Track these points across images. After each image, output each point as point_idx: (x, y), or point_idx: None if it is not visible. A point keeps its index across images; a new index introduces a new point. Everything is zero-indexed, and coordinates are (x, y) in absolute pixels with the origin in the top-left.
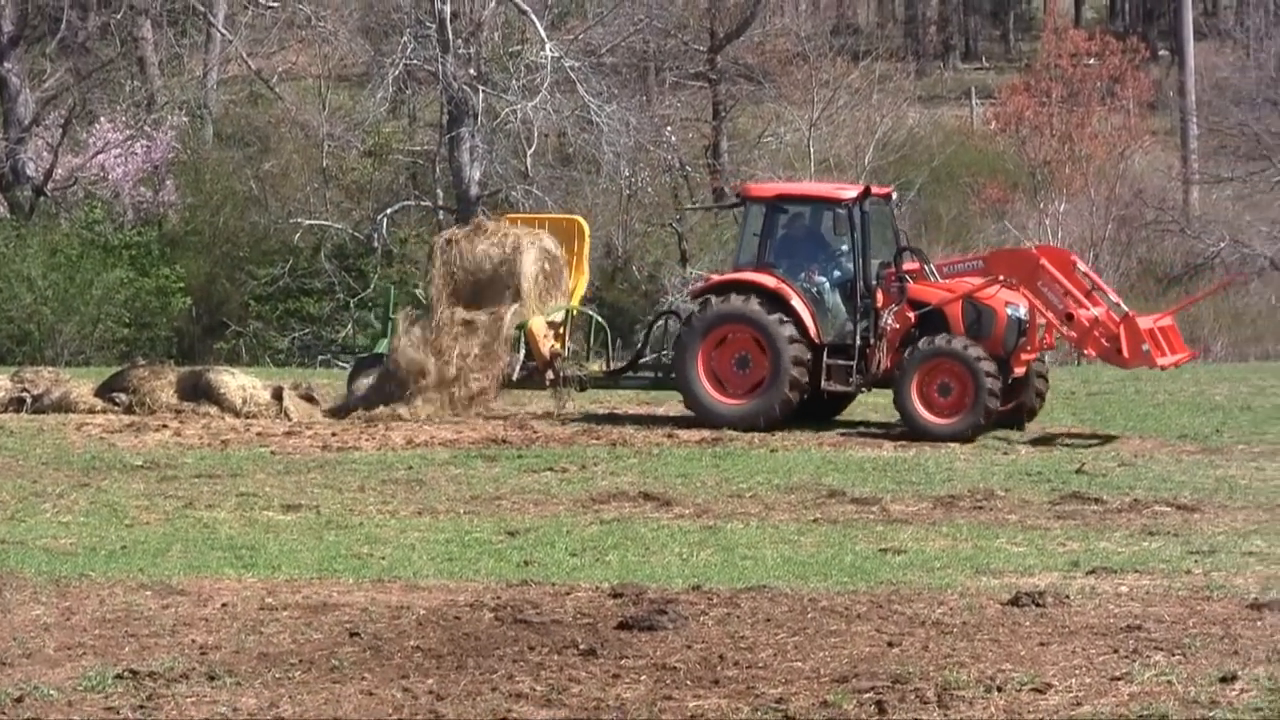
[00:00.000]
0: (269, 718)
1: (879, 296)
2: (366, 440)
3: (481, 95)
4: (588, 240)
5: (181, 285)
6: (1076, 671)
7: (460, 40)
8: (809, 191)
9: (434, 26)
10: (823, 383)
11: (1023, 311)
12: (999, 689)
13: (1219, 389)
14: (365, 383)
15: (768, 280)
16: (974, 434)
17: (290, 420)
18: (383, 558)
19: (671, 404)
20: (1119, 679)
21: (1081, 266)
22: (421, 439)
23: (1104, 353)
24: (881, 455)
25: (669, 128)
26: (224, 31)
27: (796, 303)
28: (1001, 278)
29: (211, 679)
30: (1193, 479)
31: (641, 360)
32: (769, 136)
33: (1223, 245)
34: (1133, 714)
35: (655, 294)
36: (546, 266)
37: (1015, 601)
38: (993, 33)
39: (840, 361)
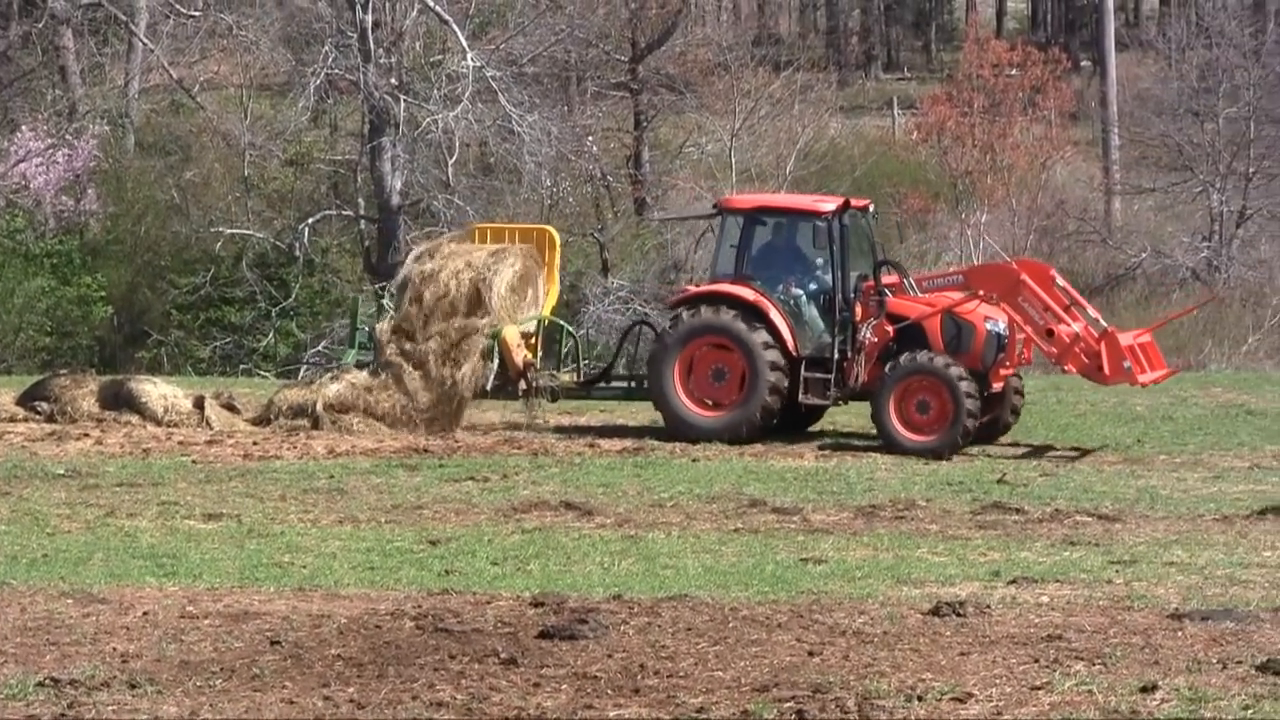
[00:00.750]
0: None
1: (858, 310)
2: (288, 449)
3: (403, 105)
4: (559, 250)
5: (103, 294)
6: (997, 681)
7: (381, 50)
8: (788, 204)
9: (355, 36)
10: (800, 396)
11: (1001, 326)
12: (919, 698)
13: (1140, 399)
14: None
15: (746, 293)
16: (951, 452)
17: (212, 429)
18: (304, 566)
19: (594, 414)
20: (1039, 688)
21: (1060, 281)
22: (343, 448)
23: (1084, 369)
24: (803, 465)
25: (590, 137)
26: (145, 41)
27: (775, 315)
28: (981, 293)
29: (133, 687)
30: (1114, 489)
31: (613, 371)
32: (690, 146)
33: (1144, 256)
34: None
35: (577, 304)
36: (518, 277)
37: (936, 611)
38: (914, 43)
39: (818, 375)
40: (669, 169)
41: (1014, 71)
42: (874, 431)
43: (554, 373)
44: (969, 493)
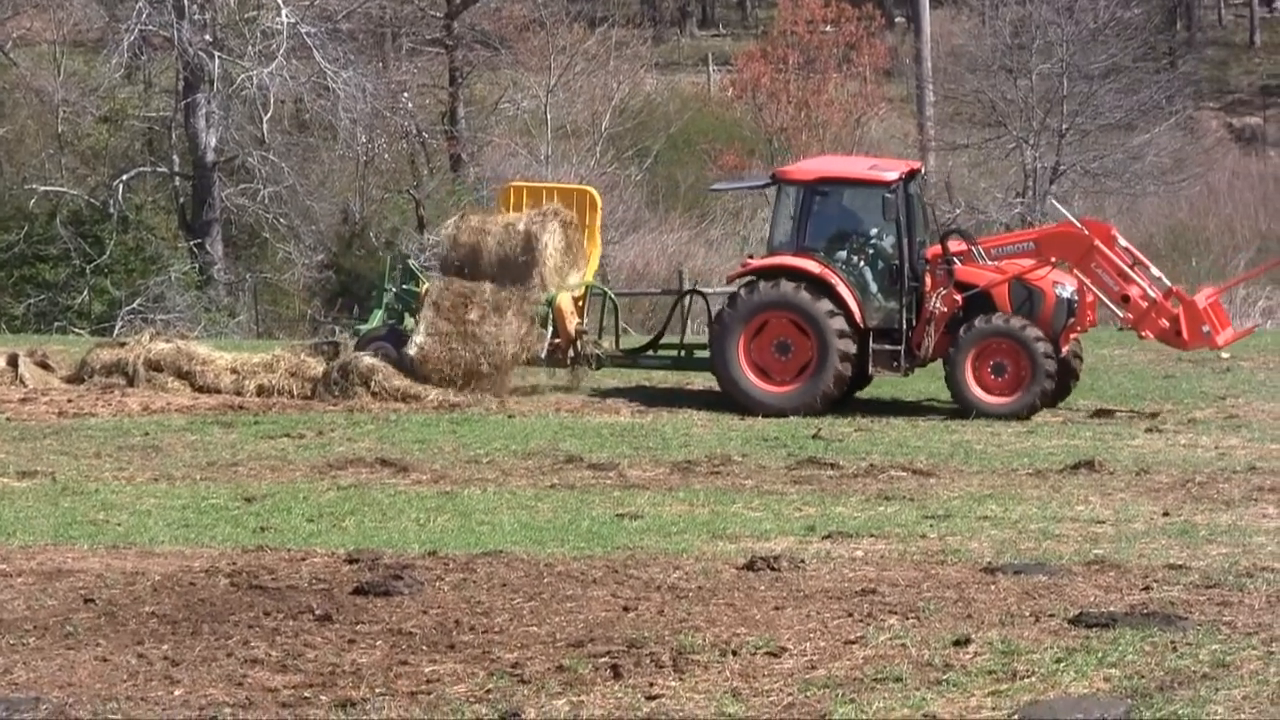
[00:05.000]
0: (2, 684)
1: (927, 279)
2: (103, 407)
3: (218, 61)
4: (600, 212)
5: None
6: (811, 635)
7: (196, 5)
8: (849, 174)
9: None
10: (870, 368)
11: (1070, 291)
12: (734, 653)
13: None
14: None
15: (810, 265)
16: (1029, 413)
17: (26, 387)
18: (118, 524)
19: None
20: (853, 642)
21: (1121, 241)
22: (158, 405)
23: (1162, 334)
24: (619, 421)
25: (405, 94)
26: None
27: (841, 288)
28: (1054, 259)
29: None
30: (928, 444)
31: (661, 340)
32: (506, 103)
33: (958, 212)
34: (867, 677)
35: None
36: (566, 241)
37: (751, 566)
38: (730, 0)
39: (886, 346)
40: (485, 125)
41: (829, 28)
42: (693, 387)
43: (597, 340)
44: (785, 448)
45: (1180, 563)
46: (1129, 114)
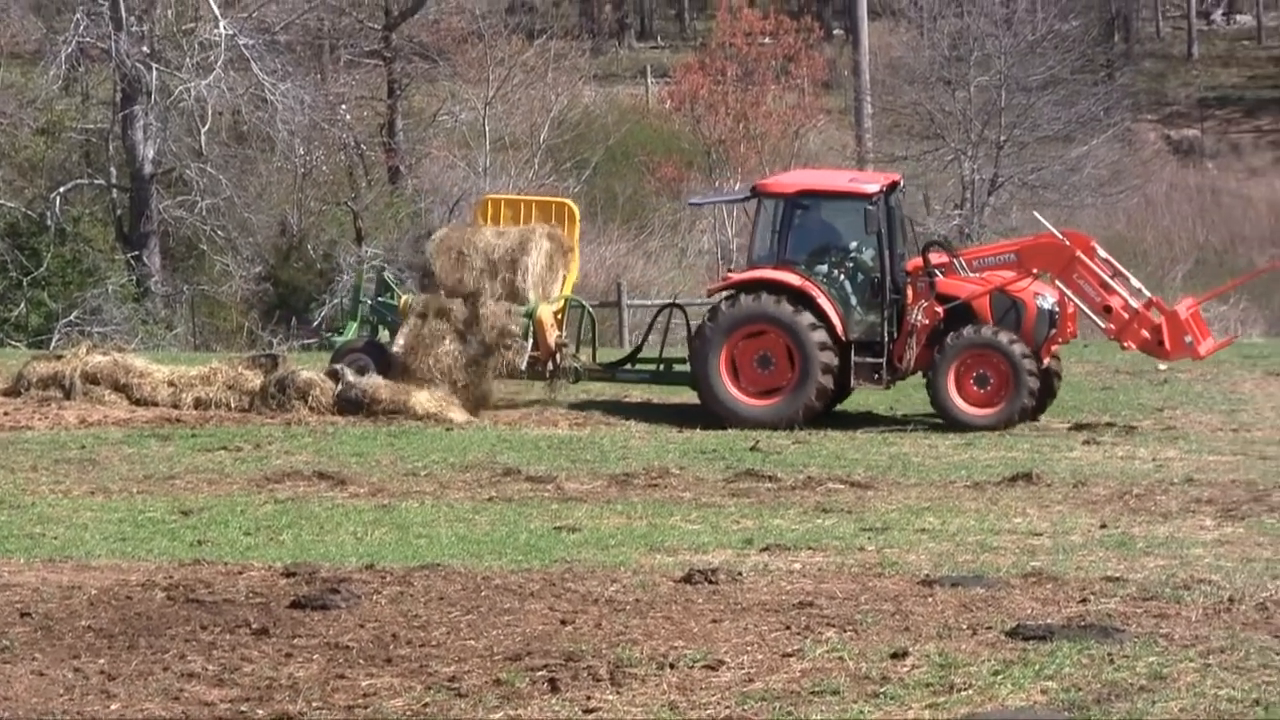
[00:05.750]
0: None
1: (908, 292)
2: (39, 419)
3: (155, 73)
4: (578, 224)
5: None
6: (749, 648)
7: (133, 18)
8: (830, 186)
9: (107, 4)
10: (852, 380)
11: (1051, 303)
12: (671, 666)
13: None
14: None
15: (791, 278)
16: (1010, 425)
17: None
18: (55, 537)
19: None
20: (791, 655)
21: (1101, 252)
22: (95, 418)
23: (1144, 344)
24: (557, 434)
25: (344, 106)
26: None
27: (822, 300)
28: (1035, 271)
29: None
30: (866, 456)
31: (639, 354)
32: (444, 115)
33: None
34: (805, 690)
35: (330, 272)
36: (548, 254)
37: (689, 579)
38: (668, 11)
39: (868, 359)
40: (423, 137)
41: (767, 40)
42: (631, 400)
43: (575, 354)
44: (722, 460)
45: (1118, 575)
46: (1067, 126)
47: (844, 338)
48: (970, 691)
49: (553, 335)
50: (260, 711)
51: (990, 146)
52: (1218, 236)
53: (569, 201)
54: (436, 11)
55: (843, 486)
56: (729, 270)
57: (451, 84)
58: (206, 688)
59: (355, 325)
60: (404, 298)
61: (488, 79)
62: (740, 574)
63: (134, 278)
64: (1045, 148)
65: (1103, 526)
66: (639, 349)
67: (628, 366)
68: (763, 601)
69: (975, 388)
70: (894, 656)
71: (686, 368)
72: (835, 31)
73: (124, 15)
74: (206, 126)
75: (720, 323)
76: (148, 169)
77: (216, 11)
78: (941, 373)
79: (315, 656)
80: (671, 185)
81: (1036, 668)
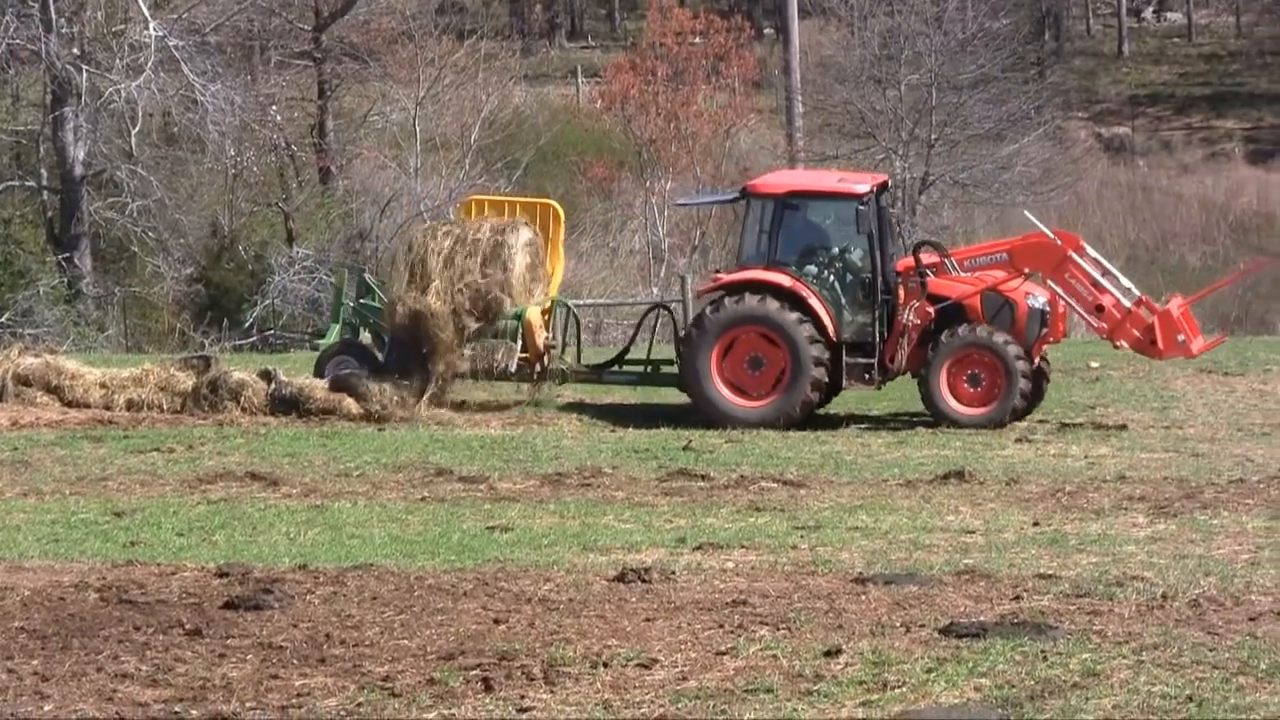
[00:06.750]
0: None
1: (900, 292)
2: None
3: (85, 75)
4: (563, 225)
5: None
6: (682, 646)
7: (63, 19)
8: (820, 187)
9: (36, 5)
10: (843, 381)
11: (1043, 302)
12: (605, 665)
13: None
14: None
15: (782, 279)
16: (1002, 424)
17: None
18: None
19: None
20: (724, 654)
21: (1091, 251)
22: (27, 420)
23: (1137, 343)
24: (489, 434)
25: (274, 107)
26: None
27: (813, 301)
28: (1027, 270)
29: None
30: (799, 455)
31: (627, 355)
32: (375, 115)
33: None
34: (738, 688)
35: (262, 273)
36: (533, 253)
37: (622, 578)
38: (598, 11)
39: (859, 360)
40: (354, 138)
41: (697, 40)
42: (563, 399)
43: (561, 355)
44: (655, 460)
45: (1050, 572)
46: (998, 124)
47: (835, 338)
48: (904, 689)
49: (541, 337)
50: (194, 712)
51: (921, 145)
52: (1149, 234)
53: (554, 203)
54: (366, 12)
55: (775, 485)
56: (717, 271)
57: (382, 85)
58: (140, 688)
59: (338, 328)
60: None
61: (418, 79)
62: (673, 573)
63: (65, 280)
64: (976, 146)
65: (1035, 524)
66: (626, 350)
67: (615, 368)
68: (696, 600)
69: (968, 387)
70: (827, 654)
71: (674, 369)
72: (766, 31)
73: (54, 17)
74: (137, 128)
75: (711, 324)
76: (78, 170)
77: (146, 13)
78: (934, 371)
79: (249, 657)
80: (603, 185)
81: (970, 665)
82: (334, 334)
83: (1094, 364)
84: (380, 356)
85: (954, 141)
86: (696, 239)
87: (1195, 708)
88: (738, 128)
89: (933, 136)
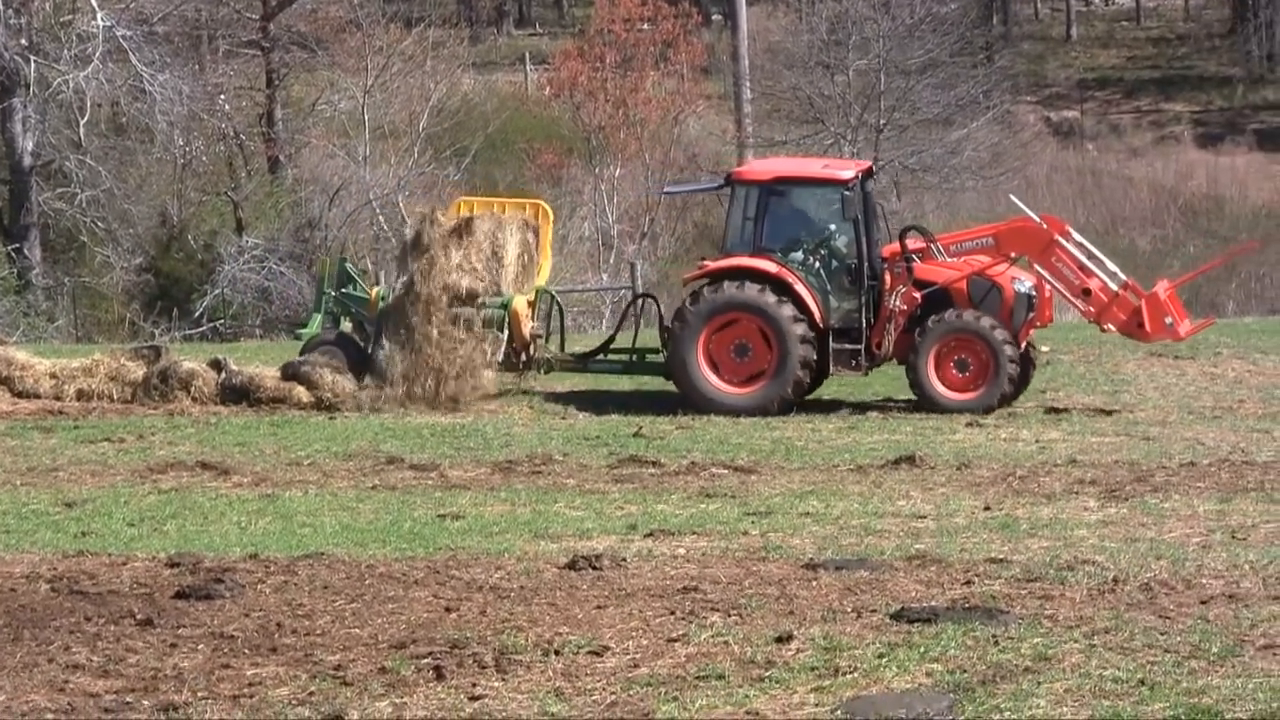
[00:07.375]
0: None
1: (886, 278)
2: None
3: (33, 65)
4: (551, 223)
5: None
6: (634, 633)
7: (11, 10)
8: (805, 173)
9: None
10: (830, 367)
11: (1029, 286)
12: (557, 652)
13: None
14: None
15: (768, 266)
16: (990, 409)
17: None
18: None
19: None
20: (676, 640)
21: (1076, 235)
22: None
23: (1124, 326)
24: (440, 422)
25: (223, 96)
26: None
27: (800, 288)
28: (1013, 255)
29: None
30: (750, 441)
31: (612, 344)
32: (323, 104)
33: None
34: (690, 674)
35: (211, 262)
36: (522, 246)
37: (573, 565)
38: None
39: (846, 346)
40: (302, 127)
41: (645, 26)
42: (509, 388)
43: (546, 345)
44: (606, 447)
45: (1001, 557)
46: (946, 109)
47: (822, 324)
48: (855, 674)
49: (527, 326)
50: (146, 702)
51: (870, 130)
52: (1098, 217)
53: (543, 202)
54: (314, 1)
55: (726, 471)
56: (703, 259)
57: (330, 73)
58: (91, 679)
59: (319, 318)
60: (374, 290)
61: (366, 68)
62: (624, 560)
63: (14, 270)
64: (925, 131)
65: (986, 509)
66: (611, 339)
67: (600, 357)
68: (647, 587)
69: (955, 372)
70: (779, 640)
71: (659, 358)
72: (714, 17)
73: (1, 8)
74: (85, 118)
75: (697, 311)
76: (27, 161)
77: (94, 3)
78: (922, 357)
79: (200, 646)
80: (551, 172)
81: (921, 650)
82: (315, 324)
83: (1044, 348)
84: (363, 345)
85: (903, 126)
86: (646, 225)
87: (1147, 691)
88: (686, 114)
89: (881, 121)
